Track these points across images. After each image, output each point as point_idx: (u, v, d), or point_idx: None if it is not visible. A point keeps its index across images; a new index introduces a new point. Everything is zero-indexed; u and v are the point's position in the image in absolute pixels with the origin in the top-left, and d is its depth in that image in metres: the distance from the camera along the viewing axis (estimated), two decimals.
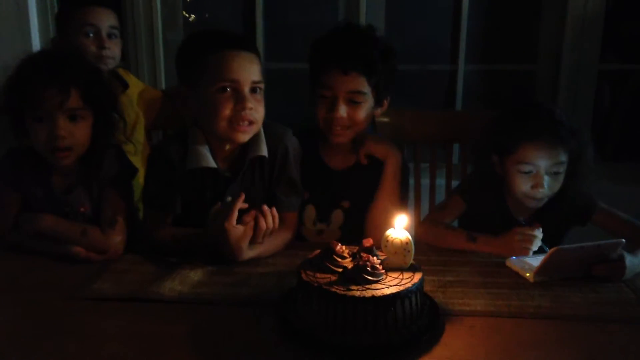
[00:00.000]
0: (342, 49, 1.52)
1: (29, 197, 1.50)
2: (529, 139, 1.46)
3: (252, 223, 1.34)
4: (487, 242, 1.46)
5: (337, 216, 1.69)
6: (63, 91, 1.36)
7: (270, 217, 1.36)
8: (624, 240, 1.31)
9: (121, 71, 2.01)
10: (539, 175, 1.46)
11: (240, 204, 1.34)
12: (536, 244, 1.41)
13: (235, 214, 1.33)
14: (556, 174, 1.47)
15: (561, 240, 1.62)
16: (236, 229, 1.32)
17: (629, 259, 1.30)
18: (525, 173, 1.47)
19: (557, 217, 1.56)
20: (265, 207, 1.35)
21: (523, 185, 1.49)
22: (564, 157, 1.46)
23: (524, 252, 1.39)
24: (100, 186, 1.49)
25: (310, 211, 1.68)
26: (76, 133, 1.41)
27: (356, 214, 1.67)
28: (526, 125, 1.48)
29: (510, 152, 1.49)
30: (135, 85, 2.04)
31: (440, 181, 1.97)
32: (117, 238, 1.43)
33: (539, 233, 1.41)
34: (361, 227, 1.64)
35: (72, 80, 1.39)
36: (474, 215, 1.61)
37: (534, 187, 1.47)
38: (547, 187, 1.47)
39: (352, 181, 1.67)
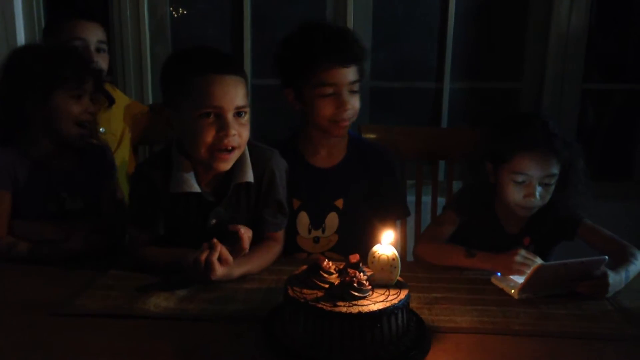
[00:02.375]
0: (338, 44, 1.55)
1: (22, 194, 1.53)
2: (525, 150, 1.49)
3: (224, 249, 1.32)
4: (486, 259, 1.46)
5: (332, 220, 1.70)
6: (94, 76, 1.59)
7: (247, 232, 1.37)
8: (606, 257, 1.32)
9: (107, 86, 2.00)
10: (531, 185, 1.49)
11: (218, 254, 1.30)
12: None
13: (217, 264, 1.29)
14: (547, 185, 1.51)
15: (549, 255, 1.64)
16: (222, 269, 1.30)
17: (612, 276, 1.32)
18: (519, 183, 1.50)
19: (545, 230, 1.59)
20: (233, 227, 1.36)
21: (515, 194, 1.51)
22: (556, 170, 1.50)
23: (520, 273, 1.38)
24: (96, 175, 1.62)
25: (304, 218, 1.69)
26: (94, 112, 1.62)
27: (351, 215, 1.69)
28: (522, 136, 1.51)
29: (505, 161, 1.52)
30: (122, 100, 2.04)
31: (426, 198, 1.98)
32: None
33: (539, 260, 1.41)
34: (357, 231, 1.67)
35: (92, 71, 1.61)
36: (465, 229, 1.63)
37: (526, 196, 1.50)
38: (539, 196, 1.50)
39: (342, 177, 1.70)
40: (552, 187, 1.52)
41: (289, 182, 1.59)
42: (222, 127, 1.35)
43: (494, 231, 1.61)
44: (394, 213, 1.75)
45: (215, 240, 1.31)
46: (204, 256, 1.29)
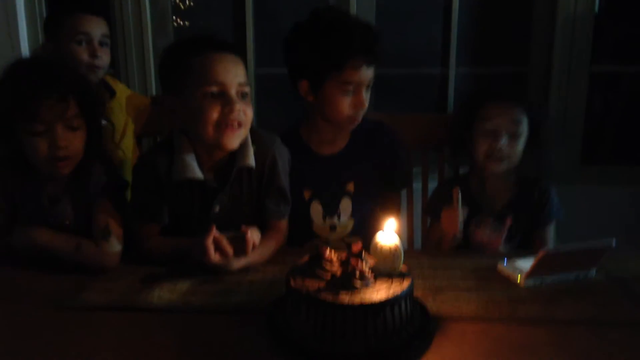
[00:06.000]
0: (370, 43, 1.57)
1: (17, 207, 1.48)
2: (490, 100, 1.63)
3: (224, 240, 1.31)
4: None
5: (345, 205, 1.71)
6: (62, 100, 1.35)
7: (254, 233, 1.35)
8: (613, 241, 1.30)
9: (108, 78, 2.00)
10: (497, 132, 1.59)
11: (212, 237, 1.29)
12: (459, 203, 1.51)
13: (211, 248, 1.29)
14: (514, 135, 1.59)
15: (536, 235, 1.67)
16: (216, 256, 1.30)
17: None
18: (489, 132, 1.60)
19: (526, 212, 1.64)
20: (244, 228, 1.33)
21: (484, 144, 1.61)
22: (521, 117, 1.60)
23: (453, 215, 1.51)
24: (88, 198, 1.46)
25: (317, 207, 1.70)
26: (74, 142, 1.40)
27: (363, 197, 1.71)
28: (487, 90, 1.71)
29: (475, 116, 1.63)
30: (123, 92, 2.03)
31: (433, 185, 1.96)
32: (112, 249, 1.41)
33: (457, 191, 1.51)
34: (372, 212, 1.71)
35: (69, 89, 1.37)
36: None
37: (492, 142, 1.59)
38: (505, 143, 1.58)
39: (350, 161, 1.71)
40: (520, 141, 1.60)
41: (297, 173, 1.59)
42: (227, 103, 1.36)
43: (477, 213, 1.63)
44: (396, 183, 1.80)
45: (213, 225, 1.31)
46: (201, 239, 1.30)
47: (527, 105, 1.62)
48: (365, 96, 1.61)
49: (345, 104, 1.60)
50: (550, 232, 1.67)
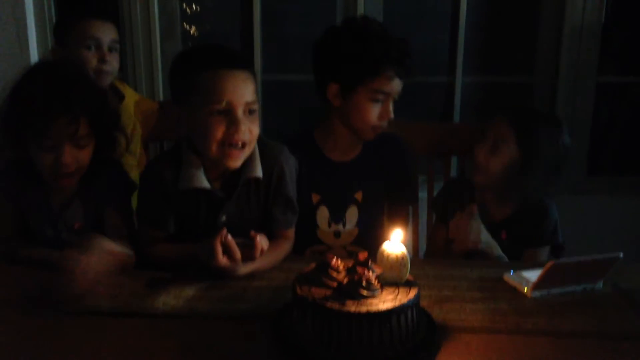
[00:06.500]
0: (405, 57, 1.60)
1: (26, 212, 1.48)
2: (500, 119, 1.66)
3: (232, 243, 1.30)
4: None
5: (352, 213, 1.71)
6: (74, 122, 1.34)
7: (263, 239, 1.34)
8: (621, 253, 1.30)
9: (117, 82, 2.01)
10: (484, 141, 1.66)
11: (221, 239, 1.28)
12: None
13: (219, 249, 1.28)
14: (493, 147, 1.63)
15: (527, 255, 1.66)
16: (224, 260, 1.29)
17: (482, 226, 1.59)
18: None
19: (524, 226, 1.64)
20: (253, 233, 1.32)
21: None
22: (507, 132, 1.61)
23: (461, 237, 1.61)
24: (99, 203, 1.47)
25: (324, 212, 1.70)
26: (80, 158, 1.40)
27: (370, 208, 1.71)
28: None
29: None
30: (131, 97, 2.04)
31: None
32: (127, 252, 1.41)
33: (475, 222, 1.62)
34: (377, 223, 1.71)
35: (82, 110, 1.36)
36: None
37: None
38: (481, 152, 1.65)
39: (361, 170, 1.72)
40: (500, 158, 1.61)
41: (307, 177, 1.60)
42: (232, 123, 1.34)
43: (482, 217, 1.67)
44: (404, 198, 1.79)
45: (224, 228, 1.30)
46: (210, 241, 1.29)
47: (523, 125, 1.61)
48: (391, 109, 1.63)
49: (372, 113, 1.61)
50: (544, 255, 1.65)
